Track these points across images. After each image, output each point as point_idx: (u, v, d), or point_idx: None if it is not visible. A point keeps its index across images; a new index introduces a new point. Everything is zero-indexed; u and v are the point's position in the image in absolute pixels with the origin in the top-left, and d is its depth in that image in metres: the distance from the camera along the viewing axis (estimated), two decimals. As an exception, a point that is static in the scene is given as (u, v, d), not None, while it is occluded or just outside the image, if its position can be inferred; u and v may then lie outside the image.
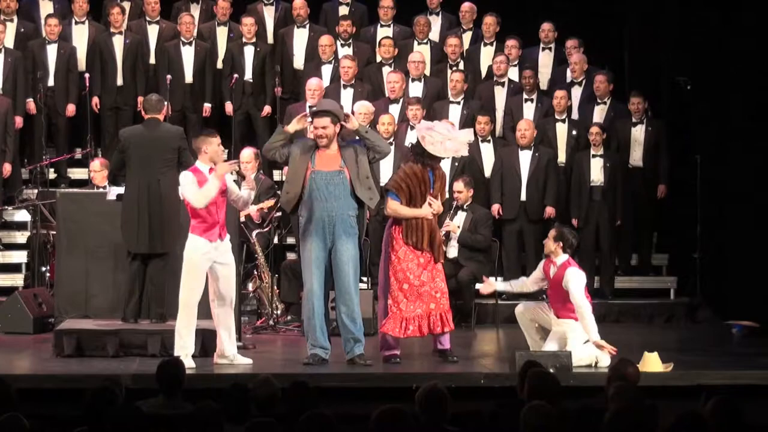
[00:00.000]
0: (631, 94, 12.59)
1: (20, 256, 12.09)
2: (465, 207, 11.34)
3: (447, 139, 8.98)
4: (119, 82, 12.83)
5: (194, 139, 8.86)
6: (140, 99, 12.63)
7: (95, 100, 12.65)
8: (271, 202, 11.05)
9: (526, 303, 9.45)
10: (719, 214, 12.18)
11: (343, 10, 13.56)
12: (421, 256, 8.93)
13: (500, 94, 12.75)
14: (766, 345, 9.95)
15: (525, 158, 11.97)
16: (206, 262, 8.56)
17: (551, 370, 7.36)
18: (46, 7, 13.20)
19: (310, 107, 11.07)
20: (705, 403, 5.49)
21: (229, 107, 12.84)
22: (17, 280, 11.87)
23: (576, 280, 8.83)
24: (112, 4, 12.97)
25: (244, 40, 12.92)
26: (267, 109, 12.82)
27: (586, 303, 8.84)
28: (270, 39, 13.36)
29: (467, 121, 12.22)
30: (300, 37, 13.19)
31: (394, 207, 8.93)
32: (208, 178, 8.49)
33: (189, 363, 8.24)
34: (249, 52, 12.91)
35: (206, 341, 9.00)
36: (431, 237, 8.96)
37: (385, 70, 12.73)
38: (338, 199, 8.70)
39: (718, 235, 12.16)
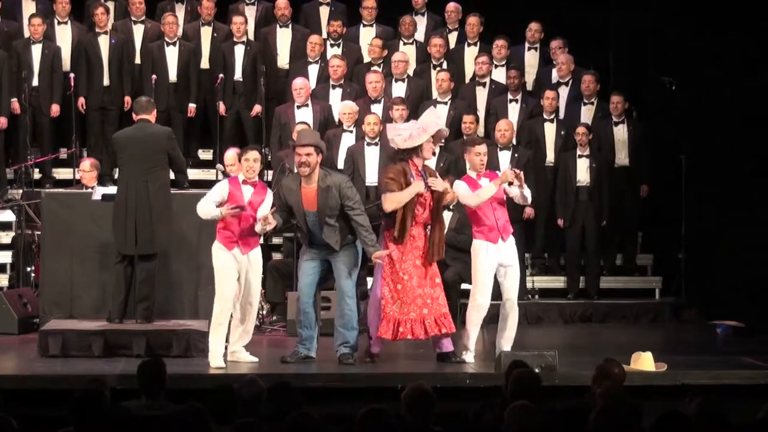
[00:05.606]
0: (611, 93, 12.60)
1: (5, 257, 12.05)
2: (451, 207, 11.32)
3: (416, 128, 8.99)
4: (106, 82, 12.78)
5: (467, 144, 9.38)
6: (127, 99, 12.61)
7: (81, 100, 12.61)
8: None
9: None
10: (704, 214, 12.21)
11: (324, 10, 13.52)
12: (417, 258, 8.90)
13: (481, 95, 12.75)
14: (750, 345, 9.97)
15: (504, 158, 11.92)
16: None
17: (536, 370, 7.38)
18: (28, 7, 13.14)
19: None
20: (689, 402, 5.51)
21: (222, 108, 12.81)
22: (2, 280, 11.86)
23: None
24: (96, 4, 12.93)
25: (234, 39, 12.89)
26: (257, 108, 12.78)
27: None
28: (251, 38, 13.30)
29: (454, 121, 12.22)
30: (283, 37, 13.17)
31: (392, 196, 8.81)
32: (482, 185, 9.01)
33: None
34: (239, 51, 12.88)
35: (192, 341, 9.04)
36: (426, 233, 8.95)
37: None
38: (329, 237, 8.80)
39: (704, 235, 12.18)
